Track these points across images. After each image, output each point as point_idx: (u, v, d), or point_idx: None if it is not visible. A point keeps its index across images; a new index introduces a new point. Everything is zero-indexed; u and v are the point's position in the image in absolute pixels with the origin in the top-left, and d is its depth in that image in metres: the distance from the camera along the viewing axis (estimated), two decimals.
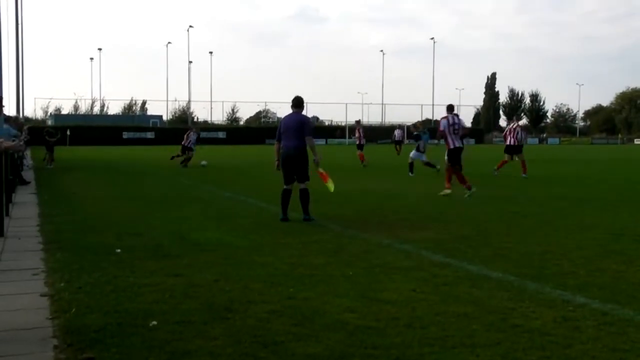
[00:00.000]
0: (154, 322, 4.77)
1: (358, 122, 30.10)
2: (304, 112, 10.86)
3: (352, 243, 8.23)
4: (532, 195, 14.72)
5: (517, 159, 21.02)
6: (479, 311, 5.09)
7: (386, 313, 5.04)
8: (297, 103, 10.60)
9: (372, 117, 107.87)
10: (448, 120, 14.53)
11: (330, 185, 10.88)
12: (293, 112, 10.58)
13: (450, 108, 14.93)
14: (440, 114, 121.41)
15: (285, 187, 10.44)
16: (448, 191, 14.28)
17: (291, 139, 10.29)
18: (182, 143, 27.58)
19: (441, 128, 14.64)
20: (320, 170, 10.76)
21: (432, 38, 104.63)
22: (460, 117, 15.23)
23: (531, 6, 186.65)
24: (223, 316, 4.96)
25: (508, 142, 21.17)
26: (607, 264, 6.90)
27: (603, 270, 6.57)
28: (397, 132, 40.88)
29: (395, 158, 33.04)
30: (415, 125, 25.68)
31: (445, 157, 14.88)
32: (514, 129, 21.40)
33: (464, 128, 15.07)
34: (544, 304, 5.29)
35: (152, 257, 7.26)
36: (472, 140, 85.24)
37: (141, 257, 7.25)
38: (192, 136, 27.68)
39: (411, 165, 21.19)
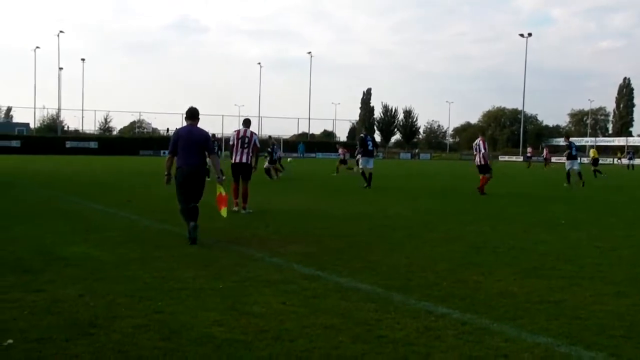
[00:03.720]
0: (10, 341, 4.55)
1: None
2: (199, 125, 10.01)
3: (223, 256, 8.19)
4: (401, 209, 15.21)
5: None
6: (346, 323, 5.20)
7: (254, 326, 5.06)
8: (193, 114, 9.88)
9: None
10: (238, 134, 14.00)
11: (224, 211, 10.21)
12: (192, 125, 9.82)
13: (246, 122, 14.41)
14: (316, 127, 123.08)
15: (182, 206, 9.65)
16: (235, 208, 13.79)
17: (193, 155, 9.59)
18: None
19: (230, 142, 14.11)
20: (223, 192, 10.00)
21: (309, 52, 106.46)
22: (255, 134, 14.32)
23: (405, 25, 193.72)
24: (86, 332, 4.81)
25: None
26: (468, 275, 7.24)
27: (464, 282, 6.89)
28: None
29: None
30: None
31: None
32: None
33: (255, 146, 14.10)
34: (409, 315, 5.48)
35: (11, 272, 6.92)
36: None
37: None
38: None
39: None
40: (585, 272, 7.52)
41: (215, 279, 6.80)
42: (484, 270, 7.51)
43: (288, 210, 14.53)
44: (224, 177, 10.02)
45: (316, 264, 7.77)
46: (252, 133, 14.09)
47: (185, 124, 10.01)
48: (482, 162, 20.62)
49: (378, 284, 6.70)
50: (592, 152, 36.66)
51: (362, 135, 24.16)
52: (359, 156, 47.51)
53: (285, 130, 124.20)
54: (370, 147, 22.79)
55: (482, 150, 20.68)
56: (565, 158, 27.20)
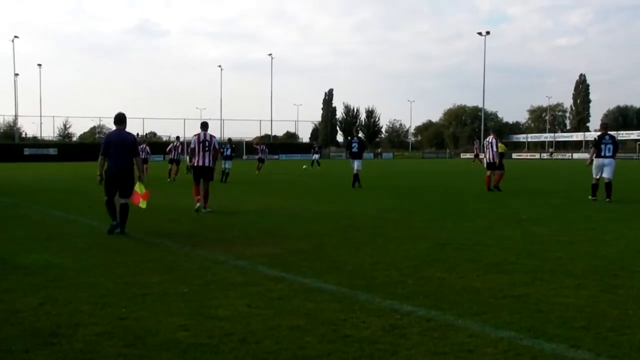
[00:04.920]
0: None
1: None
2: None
3: (188, 260, 8.13)
4: (366, 208, 15.27)
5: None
6: (312, 323, 5.20)
7: (220, 329, 5.03)
8: (121, 120, 10.99)
9: (212, 133, 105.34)
10: (199, 138, 14.49)
11: (143, 204, 10.98)
12: (121, 130, 10.96)
13: (204, 126, 14.78)
14: (278, 129, 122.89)
15: (108, 198, 10.84)
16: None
17: (124, 158, 10.75)
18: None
19: (192, 145, 14.62)
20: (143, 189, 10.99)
21: (270, 54, 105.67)
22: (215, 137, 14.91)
23: (366, 25, 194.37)
24: (48, 342, 4.73)
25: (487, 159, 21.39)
26: (432, 272, 7.30)
27: (428, 279, 6.94)
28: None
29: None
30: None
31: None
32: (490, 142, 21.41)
33: (215, 148, 14.66)
34: (374, 314, 5.50)
35: None
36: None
37: None
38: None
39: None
40: (547, 266, 7.63)
41: (179, 283, 6.75)
42: (448, 267, 7.58)
43: (254, 211, 14.50)
44: (144, 177, 11.34)
45: (281, 265, 7.76)
46: (211, 136, 14.66)
47: (114, 128, 11.17)
48: (492, 160, 21.07)
49: (343, 283, 6.71)
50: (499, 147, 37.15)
51: (348, 137, 25.07)
52: (315, 156, 48.66)
53: (248, 132, 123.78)
54: (355, 149, 23.23)
55: (494, 149, 21.13)
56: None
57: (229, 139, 32.30)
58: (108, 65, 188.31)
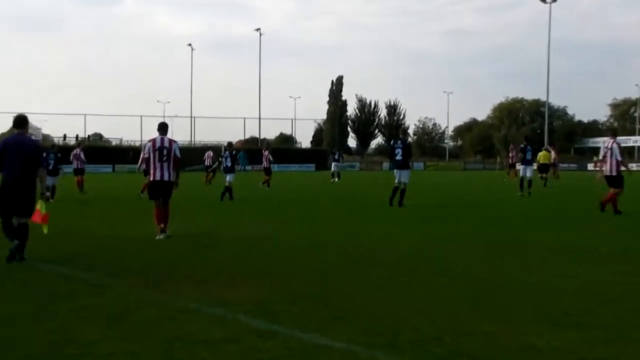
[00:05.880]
0: None
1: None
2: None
3: (143, 307, 8.08)
4: (383, 236, 15.21)
5: None
6: None
7: None
8: (21, 122, 11.86)
9: (178, 135, 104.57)
10: (154, 144, 14.74)
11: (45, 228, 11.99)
12: (21, 134, 11.76)
13: (162, 128, 15.06)
14: (270, 130, 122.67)
15: (4, 220, 11.42)
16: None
17: (23, 168, 11.40)
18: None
19: (145, 154, 15.04)
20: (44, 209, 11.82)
21: (258, 29, 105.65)
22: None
23: None
24: None
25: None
26: (477, 324, 7.23)
27: (472, 334, 6.87)
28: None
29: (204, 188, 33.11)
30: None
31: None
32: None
33: (176, 157, 14.87)
34: None
35: None
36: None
37: None
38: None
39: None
40: (635, 319, 7.55)
41: (130, 340, 6.69)
42: (497, 318, 7.52)
43: (236, 239, 14.56)
44: (48, 194, 11.99)
45: (272, 314, 7.72)
46: (170, 141, 14.86)
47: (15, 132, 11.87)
48: (615, 173, 20.43)
49: (356, 340, 6.65)
50: (539, 156, 39.07)
51: (391, 142, 25.12)
52: (335, 164, 50.01)
53: (228, 134, 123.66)
54: (397, 157, 23.36)
55: (618, 157, 20.47)
56: (519, 163, 33.32)
57: (229, 143, 32.21)
58: (39, 43, 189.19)
